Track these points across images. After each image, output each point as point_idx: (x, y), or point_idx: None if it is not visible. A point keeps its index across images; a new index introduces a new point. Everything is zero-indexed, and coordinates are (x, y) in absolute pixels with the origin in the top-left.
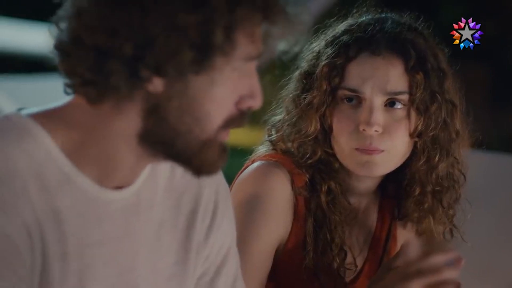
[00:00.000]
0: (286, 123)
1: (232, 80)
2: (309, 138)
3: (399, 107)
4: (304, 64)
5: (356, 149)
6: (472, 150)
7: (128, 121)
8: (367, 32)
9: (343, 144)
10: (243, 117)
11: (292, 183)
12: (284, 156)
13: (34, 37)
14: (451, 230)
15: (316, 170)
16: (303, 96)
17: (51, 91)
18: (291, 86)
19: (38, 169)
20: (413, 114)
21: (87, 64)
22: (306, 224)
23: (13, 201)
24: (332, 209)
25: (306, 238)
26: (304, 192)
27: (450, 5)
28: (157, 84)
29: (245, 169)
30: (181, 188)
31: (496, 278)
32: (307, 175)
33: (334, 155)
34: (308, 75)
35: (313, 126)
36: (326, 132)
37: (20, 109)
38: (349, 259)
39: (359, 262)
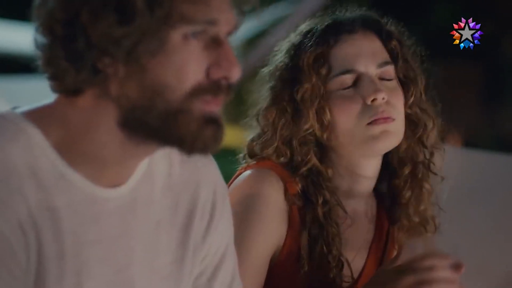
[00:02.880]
0: (279, 127)
1: (190, 49)
2: (304, 135)
3: (390, 77)
4: (281, 61)
5: (368, 124)
6: (467, 150)
7: (106, 111)
8: (338, 18)
9: (353, 126)
10: (219, 87)
11: (286, 190)
12: (277, 164)
13: (28, 38)
14: (435, 227)
15: (310, 182)
16: (295, 90)
17: (46, 92)
18: (268, 90)
19: (34, 167)
20: (402, 84)
21: (44, 59)
22: (301, 237)
23: (9, 200)
24: (329, 221)
25: (300, 251)
26: (297, 202)
27: (443, 4)
28: (110, 65)
29: (237, 176)
30: (179, 187)
31: (492, 277)
32: (300, 185)
33: (326, 162)
34: (290, 69)
35: (310, 122)
36: (322, 128)
37: (14, 108)
38: (346, 271)
39: (358, 266)
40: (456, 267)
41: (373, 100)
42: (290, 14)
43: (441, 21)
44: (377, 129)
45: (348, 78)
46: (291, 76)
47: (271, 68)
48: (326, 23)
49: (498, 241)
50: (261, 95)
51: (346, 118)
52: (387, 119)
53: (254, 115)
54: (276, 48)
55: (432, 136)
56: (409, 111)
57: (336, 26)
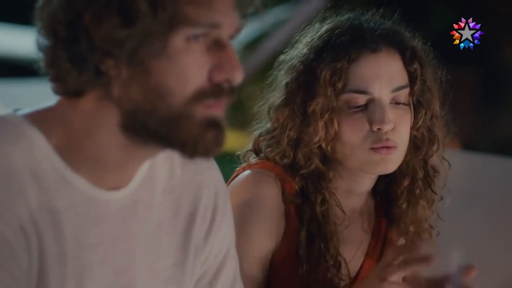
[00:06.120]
0: (286, 133)
1: (192, 52)
2: (313, 147)
3: (403, 101)
4: (299, 60)
5: (371, 148)
6: (463, 152)
7: (108, 113)
8: (363, 30)
9: (356, 146)
10: (221, 90)
11: (283, 191)
12: (275, 164)
13: (26, 42)
14: (430, 227)
15: (310, 181)
16: (308, 104)
17: (44, 96)
18: (284, 91)
19: (35, 170)
20: (414, 107)
21: (46, 60)
22: (299, 236)
23: (10, 202)
24: (327, 220)
25: (299, 250)
26: (296, 200)
27: (440, 8)
28: (112, 67)
29: (235, 176)
30: (180, 190)
31: (489, 279)
32: (298, 184)
33: (328, 165)
34: (307, 72)
35: (318, 136)
36: (327, 139)
37: (15, 110)
38: (343, 269)
39: (356, 265)
40: (467, 270)
41: (379, 128)
42: (290, 17)
43: (438, 25)
44: (376, 156)
45: (361, 98)
46: (306, 79)
47: (289, 63)
48: (350, 36)
49: (496, 243)
50: (277, 85)
51: (351, 137)
52: (389, 149)
53: (267, 108)
54: (296, 37)
55: (437, 156)
56: (415, 133)
57: (360, 40)
